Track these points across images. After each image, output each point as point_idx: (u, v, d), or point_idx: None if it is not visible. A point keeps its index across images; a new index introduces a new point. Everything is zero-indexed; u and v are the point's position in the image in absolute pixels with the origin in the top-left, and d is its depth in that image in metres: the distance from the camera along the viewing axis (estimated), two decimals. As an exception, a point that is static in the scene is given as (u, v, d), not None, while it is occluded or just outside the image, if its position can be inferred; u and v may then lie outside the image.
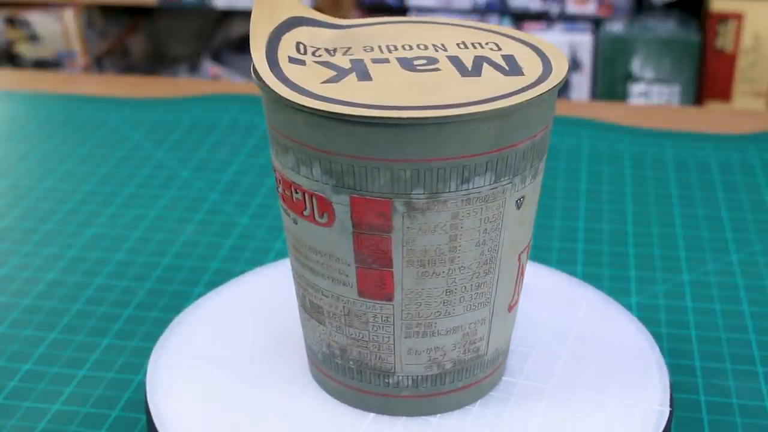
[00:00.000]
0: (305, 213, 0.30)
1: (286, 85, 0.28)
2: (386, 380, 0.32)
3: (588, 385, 0.33)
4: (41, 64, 1.69)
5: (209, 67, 1.68)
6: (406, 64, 0.30)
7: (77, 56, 1.66)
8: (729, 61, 1.37)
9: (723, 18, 1.35)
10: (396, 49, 0.31)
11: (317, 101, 0.27)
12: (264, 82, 0.29)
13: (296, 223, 0.30)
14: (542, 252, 0.44)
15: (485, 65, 0.30)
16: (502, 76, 0.29)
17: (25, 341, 0.38)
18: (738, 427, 0.34)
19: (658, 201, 0.48)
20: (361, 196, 0.28)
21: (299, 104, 0.27)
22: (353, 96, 0.28)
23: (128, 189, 0.50)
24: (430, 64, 0.30)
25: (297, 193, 0.29)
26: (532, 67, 0.29)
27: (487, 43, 0.31)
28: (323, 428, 0.32)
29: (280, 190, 0.31)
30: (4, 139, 0.56)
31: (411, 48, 0.31)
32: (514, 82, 0.29)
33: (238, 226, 0.47)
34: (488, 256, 0.30)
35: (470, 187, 0.28)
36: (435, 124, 0.27)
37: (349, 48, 0.31)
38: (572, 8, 1.41)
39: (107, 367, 0.37)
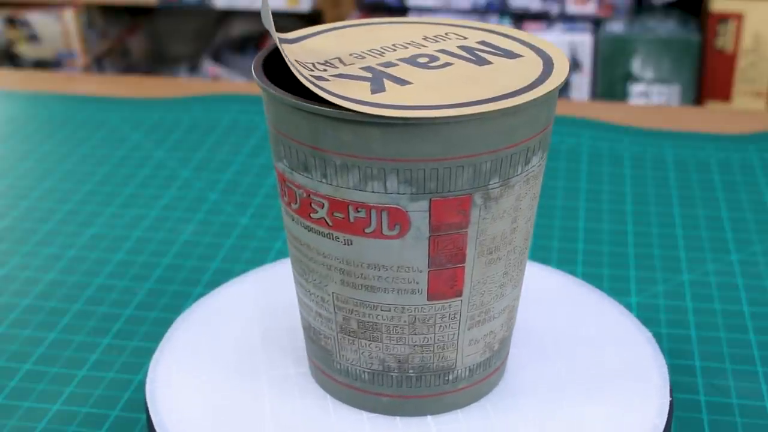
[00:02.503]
0: (367, 230, 0.28)
1: (357, 104, 0.27)
2: (446, 378, 0.32)
3: (588, 385, 0.33)
4: (41, 64, 1.69)
5: (209, 67, 1.68)
6: (414, 63, 0.30)
7: (77, 56, 1.66)
8: (729, 61, 1.37)
9: (723, 18, 1.35)
10: (382, 53, 0.31)
11: (403, 111, 0.26)
12: (336, 106, 0.27)
13: (350, 244, 0.29)
14: (542, 252, 0.44)
15: (484, 55, 0.30)
16: (510, 60, 0.30)
17: (25, 341, 0.38)
18: (738, 427, 0.34)
19: (658, 201, 0.48)
20: (442, 198, 0.28)
21: (393, 117, 0.26)
22: (417, 99, 0.27)
23: (128, 189, 0.50)
24: (434, 61, 0.30)
25: (358, 212, 0.28)
26: (527, 51, 0.31)
27: (446, 34, 0.32)
28: (323, 428, 0.32)
29: (320, 214, 0.29)
30: (4, 139, 0.56)
31: (394, 49, 0.31)
32: (532, 64, 0.30)
33: (238, 226, 0.47)
34: (529, 232, 0.31)
35: (529, 168, 0.29)
36: (511, 112, 0.27)
37: (340, 59, 0.30)
38: (572, 8, 1.41)
39: (107, 367, 0.37)
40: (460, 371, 0.31)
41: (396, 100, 0.27)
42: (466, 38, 0.32)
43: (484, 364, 0.32)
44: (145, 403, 0.33)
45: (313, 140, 0.28)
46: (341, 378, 0.32)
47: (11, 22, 1.66)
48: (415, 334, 0.30)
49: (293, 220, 0.30)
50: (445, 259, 0.29)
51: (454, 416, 0.32)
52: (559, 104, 0.60)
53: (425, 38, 0.32)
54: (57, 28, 1.64)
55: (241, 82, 0.65)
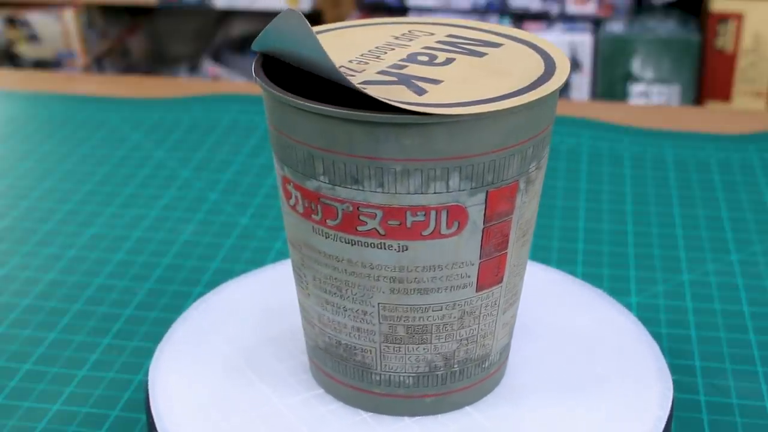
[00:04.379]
0: (425, 233, 0.28)
1: (420, 107, 0.27)
2: (483, 365, 0.32)
3: (588, 385, 0.33)
4: (41, 64, 1.69)
5: (209, 67, 1.68)
6: (421, 63, 0.30)
7: (77, 56, 1.66)
8: (729, 61, 1.37)
9: (723, 18, 1.35)
10: (377, 56, 0.31)
11: (467, 107, 0.27)
12: (403, 111, 0.27)
13: (404, 250, 0.29)
14: (542, 252, 0.44)
15: (472, 47, 0.31)
16: (498, 50, 0.31)
17: (25, 341, 0.38)
18: (738, 427, 0.34)
19: (658, 201, 0.48)
20: (497, 188, 0.28)
21: (463, 115, 0.26)
22: (464, 96, 0.27)
23: (128, 189, 0.50)
24: (434, 58, 0.30)
25: (416, 215, 0.28)
26: (500, 39, 0.32)
27: (410, 32, 0.33)
28: (323, 428, 0.32)
29: (370, 225, 0.28)
30: (4, 139, 0.56)
31: (384, 51, 0.31)
32: (522, 51, 0.31)
33: (238, 226, 0.47)
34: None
35: (546, 149, 0.30)
36: (552, 98, 0.28)
37: (345, 66, 0.30)
38: (572, 8, 1.41)
39: (107, 367, 0.37)
40: (493, 356, 0.32)
41: (447, 98, 0.27)
42: (433, 34, 0.32)
43: (508, 346, 0.33)
44: (146, 403, 0.33)
45: (370, 151, 0.27)
46: (381, 389, 0.32)
47: (11, 22, 1.66)
48: (463, 328, 0.31)
49: (328, 237, 0.29)
50: (494, 248, 0.29)
51: (455, 416, 0.32)
52: (559, 104, 0.60)
53: (397, 38, 0.32)
54: (57, 28, 1.64)
55: (241, 82, 0.65)
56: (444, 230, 0.28)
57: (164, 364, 0.34)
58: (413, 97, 0.27)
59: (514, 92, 0.28)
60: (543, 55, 0.30)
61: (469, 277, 0.29)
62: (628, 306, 0.40)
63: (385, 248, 0.29)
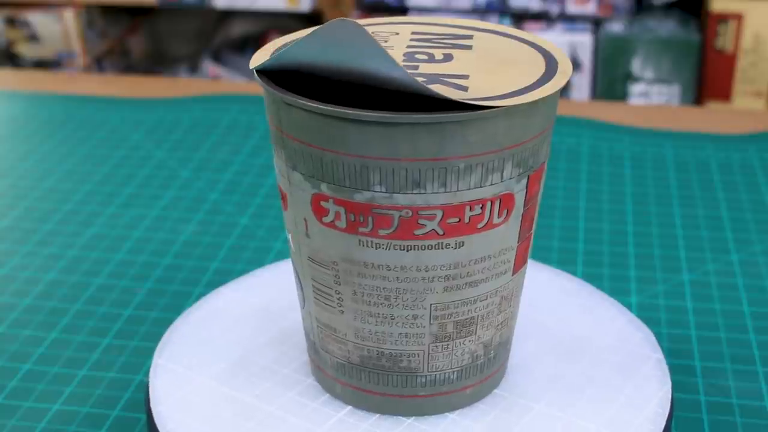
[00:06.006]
0: (480, 225, 0.28)
1: (481, 101, 0.27)
2: (507, 347, 0.32)
3: (587, 385, 0.33)
4: (41, 64, 1.69)
5: (209, 67, 1.68)
6: (428, 60, 0.30)
7: (77, 56, 1.66)
8: (729, 61, 1.37)
9: (723, 18, 1.35)
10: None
11: (520, 97, 0.27)
12: (470, 107, 0.27)
13: (461, 246, 0.29)
14: (542, 252, 0.44)
15: (452, 41, 0.32)
16: (470, 41, 0.32)
17: (25, 341, 0.38)
18: (738, 427, 0.34)
19: (658, 201, 0.48)
20: (534, 172, 0.29)
21: (521, 104, 0.27)
22: (498, 88, 0.28)
23: (128, 189, 0.50)
24: (433, 56, 0.30)
25: (473, 210, 0.28)
26: (462, 31, 0.33)
27: (373, 33, 0.33)
28: (323, 428, 0.32)
29: (429, 227, 0.28)
30: (4, 139, 0.56)
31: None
32: (503, 40, 0.31)
33: (238, 226, 0.47)
34: None
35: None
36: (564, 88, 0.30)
37: None
38: (572, 8, 1.41)
39: (107, 367, 0.37)
40: (513, 337, 0.33)
41: (489, 90, 0.27)
42: (398, 33, 0.32)
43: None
44: (146, 403, 0.33)
45: (434, 152, 0.27)
46: (426, 390, 0.31)
47: (11, 22, 1.66)
48: (500, 313, 0.31)
49: (378, 247, 0.29)
50: (526, 230, 0.30)
51: (455, 416, 0.32)
52: (559, 104, 0.60)
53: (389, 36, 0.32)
54: (57, 28, 1.64)
55: (241, 82, 0.65)
56: (496, 219, 0.29)
57: (164, 364, 0.34)
58: (461, 94, 0.27)
59: (543, 77, 0.28)
60: (518, 39, 0.31)
61: (509, 262, 0.30)
62: (628, 306, 0.40)
63: (442, 248, 0.28)
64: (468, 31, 0.32)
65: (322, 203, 0.29)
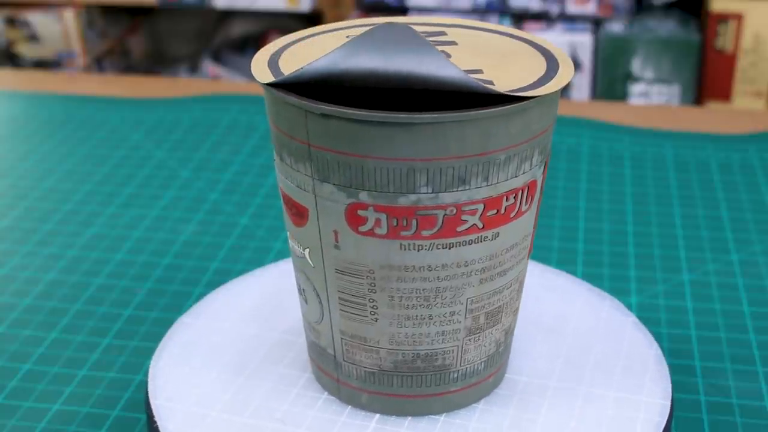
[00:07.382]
0: (513, 214, 0.29)
1: (517, 92, 0.27)
2: (514, 333, 0.33)
3: (588, 385, 0.33)
4: (41, 64, 1.69)
5: (209, 67, 1.68)
6: None
7: (77, 56, 1.66)
8: (729, 61, 1.37)
9: (723, 18, 1.35)
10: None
11: (550, 85, 0.28)
12: (513, 99, 0.27)
13: (496, 237, 0.29)
14: (542, 252, 0.44)
15: (439, 38, 0.32)
16: (451, 36, 0.32)
17: (25, 341, 0.38)
18: (738, 427, 0.34)
19: (658, 201, 0.48)
20: (547, 158, 0.30)
21: (553, 92, 0.28)
22: (518, 76, 0.28)
23: (128, 189, 0.50)
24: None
25: (509, 200, 0.28)
26: (439, 29, 0.33)
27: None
28: (323, 428, 0.32)
29: (470, 222, 0.28)
30: (4, 139, 0.56)
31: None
32: (486, 34, 0.32)
33: (238, 226, 0.47)
34: None
35: None
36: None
37: None
38: (572, 8, 1.41)
39: (107, 367, 0.37)
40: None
41: (511, 82, 0.28)
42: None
43: None
44: (146, 403, 0.33)
45: (481, 147, 0.27)
46: (457, 385, 0.31)
47: (11, 22, 1.66)
48: (518, 299, 0.32)
49: (421, 249, 0.28)
50: (537, 216, 0.31)
51: (459, 415, 0.32)
52: (559, 104, 0.60)
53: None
54: (57, 28, 1.64)
55: (241, 82, 0.65)
56: (523, 207, 0.29)
57: (164, 364, 0.34)
58: (491, 87, 0.27)
59: (549, 64, 0.29)
60: (494, 32, 0.32)
61: (527, 248, 0.31)
62: (628, 306, 0.40)
63: (480, 241, 0.29)
64: (438, 28, 0.32)
65: (360, 212, 0.28)
